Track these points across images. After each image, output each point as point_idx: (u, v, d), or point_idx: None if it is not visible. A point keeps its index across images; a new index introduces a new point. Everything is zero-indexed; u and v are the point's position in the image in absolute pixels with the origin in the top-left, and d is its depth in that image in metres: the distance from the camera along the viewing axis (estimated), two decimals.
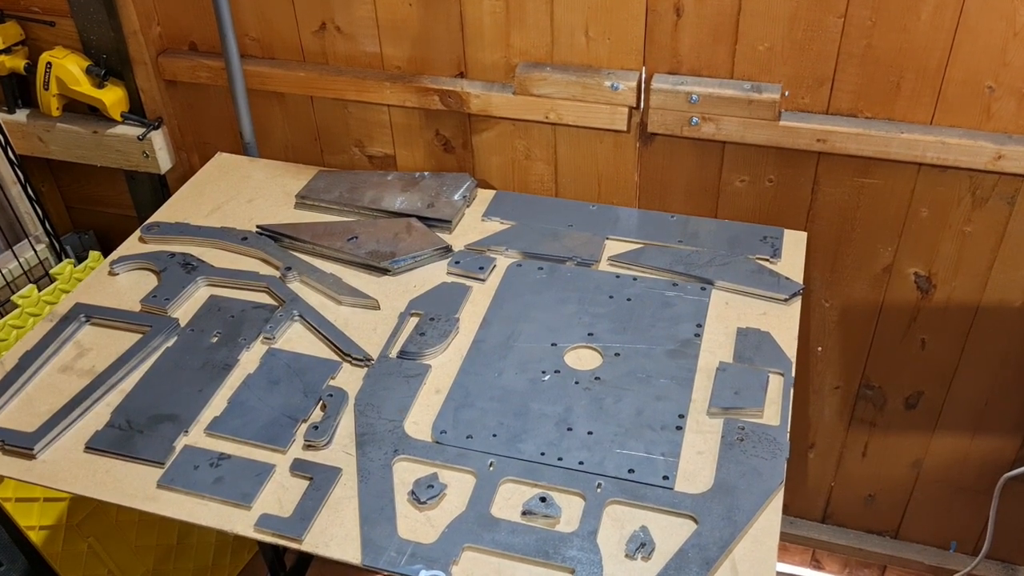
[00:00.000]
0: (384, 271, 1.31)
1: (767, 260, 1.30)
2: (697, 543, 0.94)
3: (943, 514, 1.75)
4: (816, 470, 1.77)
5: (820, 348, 1.59)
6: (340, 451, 1.07)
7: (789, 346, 1.17)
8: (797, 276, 1.27)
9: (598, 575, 0.92)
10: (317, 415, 1.10)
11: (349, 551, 0.96)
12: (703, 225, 1.37)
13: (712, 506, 0.98)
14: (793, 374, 1.13)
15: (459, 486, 1.02)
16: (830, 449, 1.74)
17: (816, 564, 1.94)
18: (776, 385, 1.12)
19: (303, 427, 1.08)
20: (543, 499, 0.99)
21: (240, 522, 0.99)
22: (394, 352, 1.19)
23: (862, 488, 1.77)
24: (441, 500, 1.00)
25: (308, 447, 1.07)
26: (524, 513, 0.98)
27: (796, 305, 1.23)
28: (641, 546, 0.95)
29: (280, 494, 1.02)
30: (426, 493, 1.00)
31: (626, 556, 0.94)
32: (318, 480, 1.02)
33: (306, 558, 1.75)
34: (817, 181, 1.42)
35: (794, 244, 1.33)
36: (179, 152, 1.71)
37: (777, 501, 0.99)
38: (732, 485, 1.00)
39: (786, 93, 1.35)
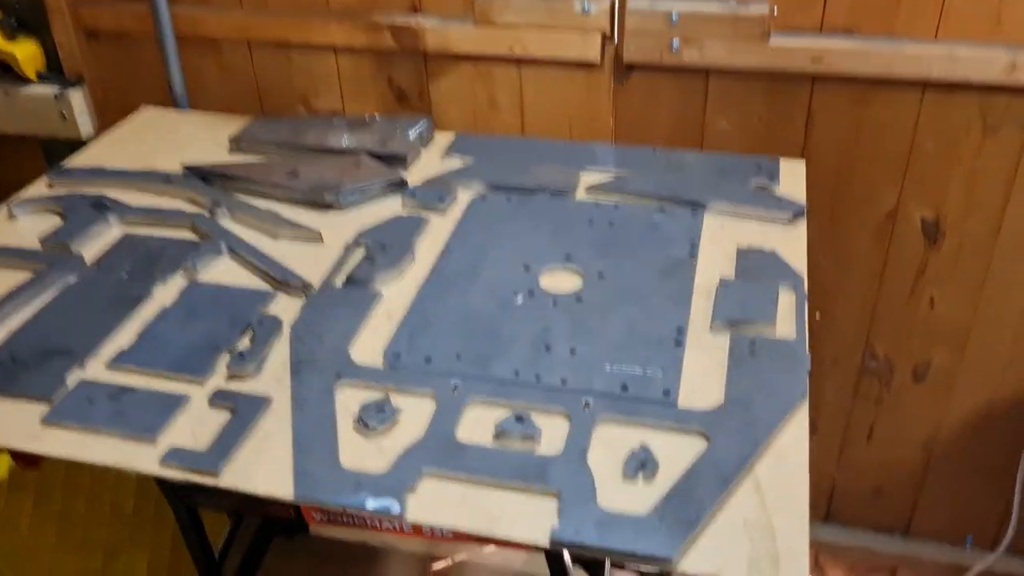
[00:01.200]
0: (329, 206, 1.14)
1: (764, 185, 1.15)
2: (711, 459, 0.77)
3: (958, 503, 1.58)
4: (817, 459, 1.60)
5: (818, 314, 1.44)
6: (271, 380, 0.88)
7: (799, 264, 1.01)
8: (799, 199, 1.12)
9: (590, 499, 0.74)
10: (244, 345, 0.92)
11: (279, 484, 0.77)
12: (689, 157, 1.23)
13: (725, 421, 0.80)
14: (806, 289, 0.97)
15: (416, 411, 0.83)
16: (832, 434, 1.57)
17: (819, 571, 1.74)
18: (788, 300, 0.96)
19: (228, 358, 0.90)
20: (519, 418, 0.81)
21: (142, 458, 0.80)
22: (339, 280, 1.01)
23: (868, 479, 1.60)
24: (394, 426, 0.82)
25: (232, 377, 0.88)
26: (497, 435, 0.80)
27: (801, 226, 1.08)
28: (642, 466, 0.76)
29: (194, 427, 0.83)
30: (376, 418, 0.81)
31: (624, 478, 0.76)
32: (242, 410, 0.83)
33: (249, 567, 1.52)
34: (811, 114, 1.28)
35: (792, 173, 1.19)
36: (102, 115, 1.54)
37: (802, 415, 0.82)
38: (747, 399, 0.82)
39: (775, 10, 1.22)
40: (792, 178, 1.17)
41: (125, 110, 1.54)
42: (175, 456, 0.79)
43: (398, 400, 0.84)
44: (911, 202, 1.33)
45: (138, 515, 1.58)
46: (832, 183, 1.33)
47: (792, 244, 1.05)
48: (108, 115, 1.54)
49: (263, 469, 0.78)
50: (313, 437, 0.80)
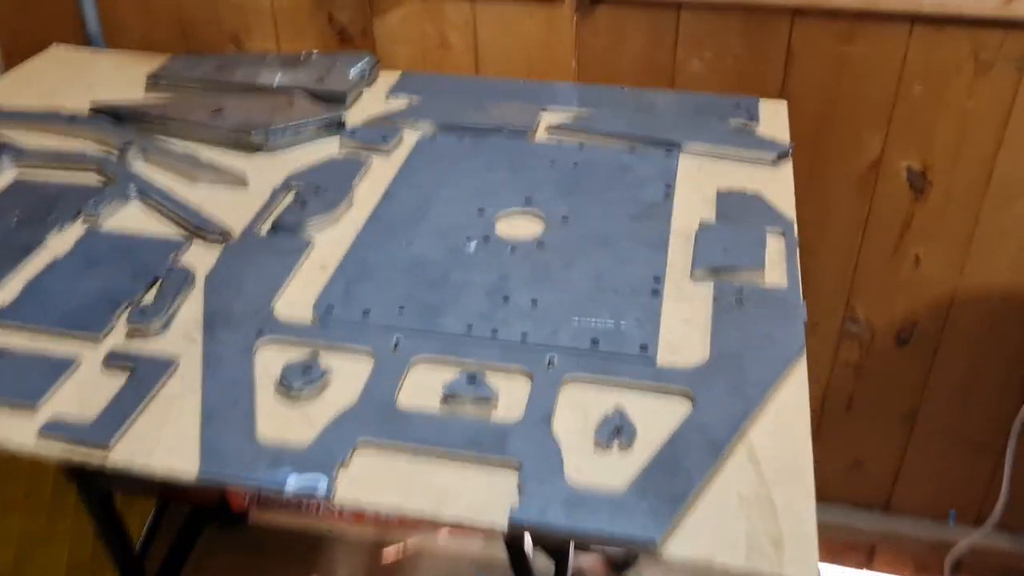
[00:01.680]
0: (256, 147, 1.01)
1: (744, 123, 1.04)
2: (697, 423, 0.65)
3: (941, 477, 1.49)
4: None
5: None
6: (179, 339, 0.74)
7: (787, 206, 0.90)
8: (783, 139, 1.01)
9: (556, 472, 0.62)
10: (150, 299, 0.78)
11: (181, 459, 0.64)
12: (661, 97, 1.11)
13: (712, 379, 0.69)
14: (796, 235, 0.86)
15: (350, 371, 0.71)
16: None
17: None
18: (777, 245, 0.85)
19: (128, 313, 0.76)
20: (472, 378, 0.68)
21: (18, 431, 0.66)
22: (264, 227, 0.87)
23: (847, 451, 1.50)
24: (323, 389, 0.69)
25: (133, 335, 0.74)
26: (445, 399, 0.68)
27: (787, 168, 0.97)
28: (617, 432, 0.65)
29: (84, 393, 0.69)
30: (301, 380, 0.68)
31: (597, 445, 0.64)
32: (142, 373, 0.70)
33: (174, 562, 1.38)
34: (791, 52, 1.17)
35: (773, 112, 1.08)
36: (9, 58, 1.37)
37: (800, 371, 0.71)
38: (736, 355, 0.71)
39: None
40: (774, 118, 1.06)
41: (37, 50, 1.38)
42: (57, 428, 0.65)
43: (329, 359, 0.72)
44: (897, 150, 1.23)
45: (57, 503, 1.43)
46: (812, 130, 1.22)
47: (777, 186, 0.93)
48: (17, 57, 1.38)
49: (164, 442, 0.65)
50: (226, 404, 0.67)
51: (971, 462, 1.45)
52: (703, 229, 0.85)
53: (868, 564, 1.61)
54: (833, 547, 1.61)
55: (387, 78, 1.17)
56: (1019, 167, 1.20)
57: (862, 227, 1.29)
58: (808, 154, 1.24)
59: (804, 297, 0.77)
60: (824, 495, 1.59)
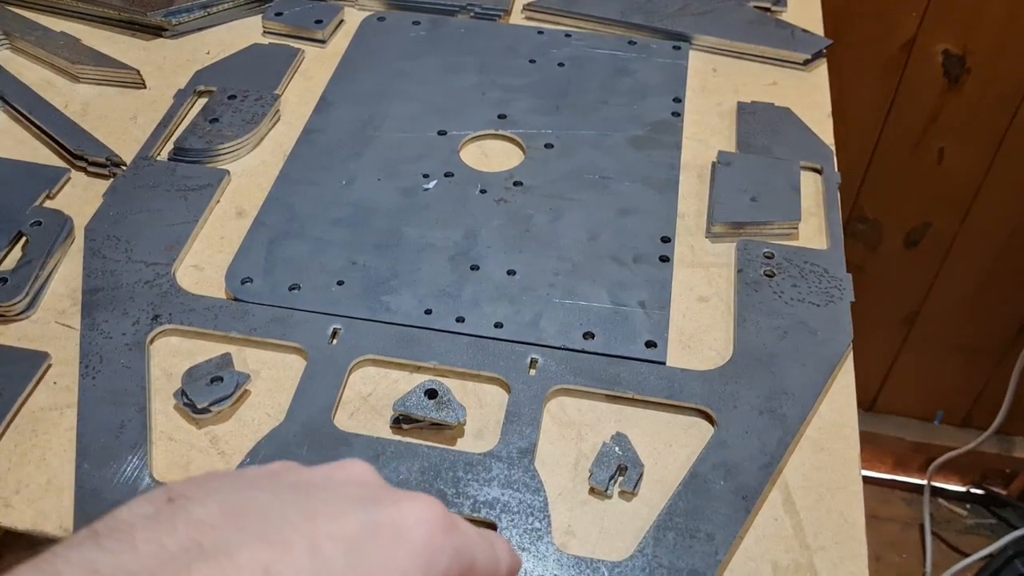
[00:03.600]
0: (156, 30, 0.79)
1: (768, 8, 0.84)
2: (720, 461, 0.51)
3: (932, 380, 1.40)
4: None
5: None
6: (51, 322, 0.57)
7: (823, 128, 0.72)
8: (816, 29, 0.82)
9: (542, 532, 0.48)
10: (11, 260, 0.60)
11: (50, 511, 0.48)
12: None
13: (738, 390, 0.54)
14: (836, 168, 0.69)
15: (273, 376, 0.55)
16: None
17: None
18: (813, 187, 0.68)
19: None
20: (432, 393, 0.53)
21: None
22: (163, 152, 0.68)
23: None
24: (238, 404, 0.53)
25: None
26: (397, 421, 0.52)
27: (822, 71, 0.79)
28: (620, 471, 0.50)
29: None
30: (209, 392, 0.52)
31: (593, 491, 0.50)
32: (1, 377, 0.53)
33: None
34: None
35: None
36: None
37: (847, 375, 0.56)
38: (767, 351, 0.56)
39: None
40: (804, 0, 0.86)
41: None
42: None
43: (247, 358, 0.55)
44: (934, 29, 1.04)
45: None
46: (837, 5, 1.02)
47: (811, 98, 0.75)
48: None
49: (27, 486, 0.49)
50: (110, 428, 0.51)
51: (966, 368, 1.36)
52: (722, 164, 0.67)
53: None
54: None
55: None
56: None
57: (883, 115, 1.12)
58: (831, 29, 1.04)
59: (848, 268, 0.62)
60: None
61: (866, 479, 1.52)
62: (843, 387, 0.56)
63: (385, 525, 0.28)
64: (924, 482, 1.45)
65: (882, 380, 1.41)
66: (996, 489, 1.51)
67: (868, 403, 1.45)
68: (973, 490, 1.53)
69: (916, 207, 1.20)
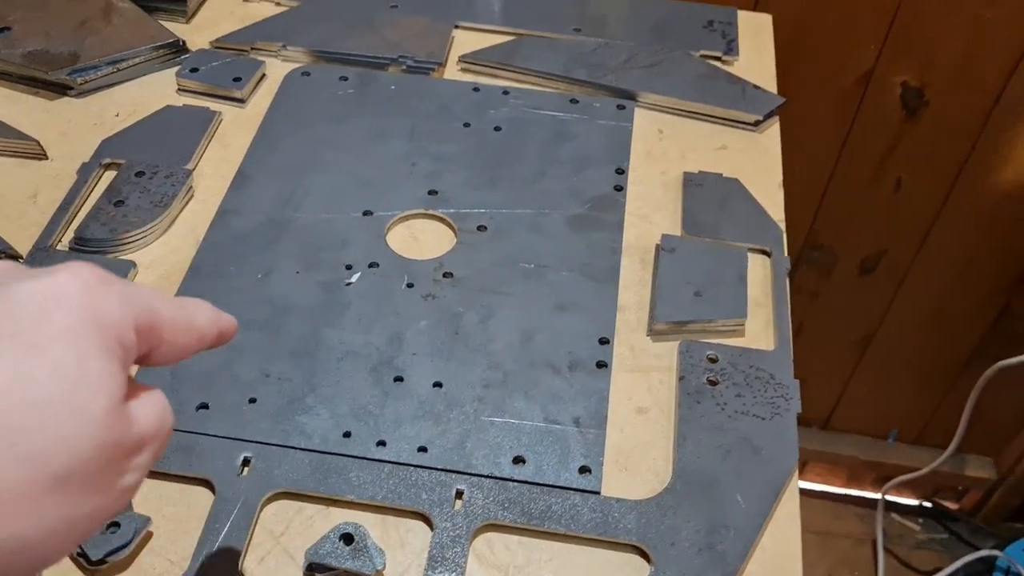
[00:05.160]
0: (61, 88, 0.73)
1: (718, 58, 0.80)
2: None
3: (886, 400, 1.39)
4: None
5: None
6: None
7: (773, 202, 0.69)
8: (769, 84, 0.78)
9: None
10: None
11: None
12: (611, 5, 0.85)
13: (676, 523, 0.51)
14: (785, 250, 0.66)
15: (177, 514, 0.50)
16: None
17: None
18: (760, 272, 0.65)
19: None
20: (348, 538, 0.49)
21: None
22: (64, 239, 0.63)
23: None
24: (138, 551, 0.49)
25: None
26: (310, 569, 0.49)
27: (774, 132, 0.75)
28: None
29: None
30: (104, 543, 0.48)
31: None
32: None
33: None
34: None
35: (755, 34, 0.83)
36: None
37: (792, 501, 0.54)
38: (708, 475, 0.53)
39: None
40: (756, 46, 0.82)
41: None
42: None
43: (148, 492, 0.51)
44: (893, 62, 1.00)
45: None
46: (792, 35, 0.98)
47: (762, 164, 0.72)
48: None
49: None
50: None
51: (920, 389, 1.35)
52: (666, 251, 0.64)
53: (799, 475, 1.53)
54: None
55: None
56: None
57: (840, 145, 1.09)
58: (786, 63, 1.00)
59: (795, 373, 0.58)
60: None
61: (820, 494, 1.52)
62: (787, 514, 0.53)
63: (35, 292, 0.27)
64: (878, 496, 1.44)
65: (836, 399, 1.40)
66: (948, 504, 1.52)
67: (822, 421, 1.44)
68: (925, 504, 1.53)
69: (872, 235, 1.17)
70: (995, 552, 1.27)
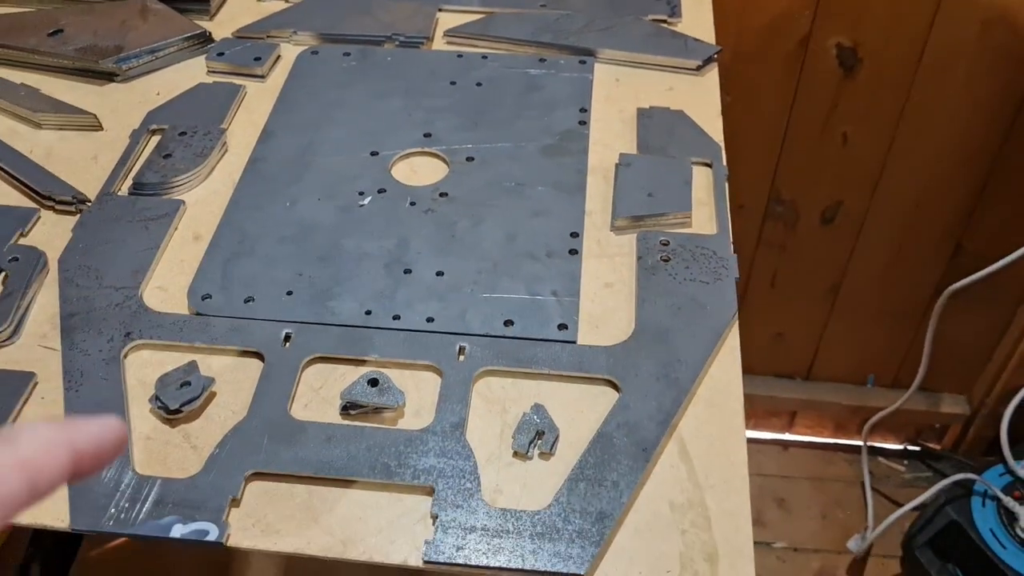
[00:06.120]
0: (108, 76, 0.87)
1: (664, 21, 0.93)
2: (624, 421, 0.60)
3: (860, 346, 1.50)
4: None
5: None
6: (34, 346, 0.65)
7: (713, 127, 0.82)
8: (708, 39, 0.91)
9: (473, 493, 0.56)
10: None
11: (48, 509, 0.56)
12: None
13: (638, 361, 0.63)
14: (725, 162, 0.78)
15: (235, 378, 0.63)
16: None
17: None
18: (704, 179, 0.77)
19: None
20: (374, 382, 0.61)
21: None
22: (124, 187, 0.76)
23: (770, 325, 1.50)
24: (206, 404, 0.61)
25: None
26: (345, 408, 0.61)
27: (713, 75, 0.88)
28: (538, 436, 0.59)
29: None
30: (179, 396, 0.60)
31: (516, 455, 0.59)
32: None
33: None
34: None
35: (696, 1, 0.97)
36: None
37: (733, 342, 0.66)
38: (663, 326, 0.65)
39: None
40: (697, 9, 0.95)
41: None
42: None
43: (211, 364, 0.63)
44: (826, 26, 1.14)
45: None
46: (738, 9, 1.12)
47: (703, 99, 0.85)
48: None
49: None
50: None
51: (890, 332, 1.46)
52: (623, 165, 0.76)
53: (789, 428, 1.64)
54: (756, 414, 1.64)
55: None
56: (952, 41, 1.12)
57: (789, 106, 1.22)
58: (733, 33, 1.14)
59: (734, 248, 0.71)
60: (748, 367, 1.61)
61: (809, 444, 1.63)
62: (729, 351, 0.65)
63: None
64: (862, 443, 1.55)
65: (815, 350, 1.52)
66: (930, 444, 1.62)
67: (804, 372, 1.55)
68: (910, 447, 1.64)
69: (828, 187, 1.30)
70: (972, 476, 1.37)
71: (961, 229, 1.32)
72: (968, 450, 1.56)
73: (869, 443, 1.56)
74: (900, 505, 1.52)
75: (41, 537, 1.07)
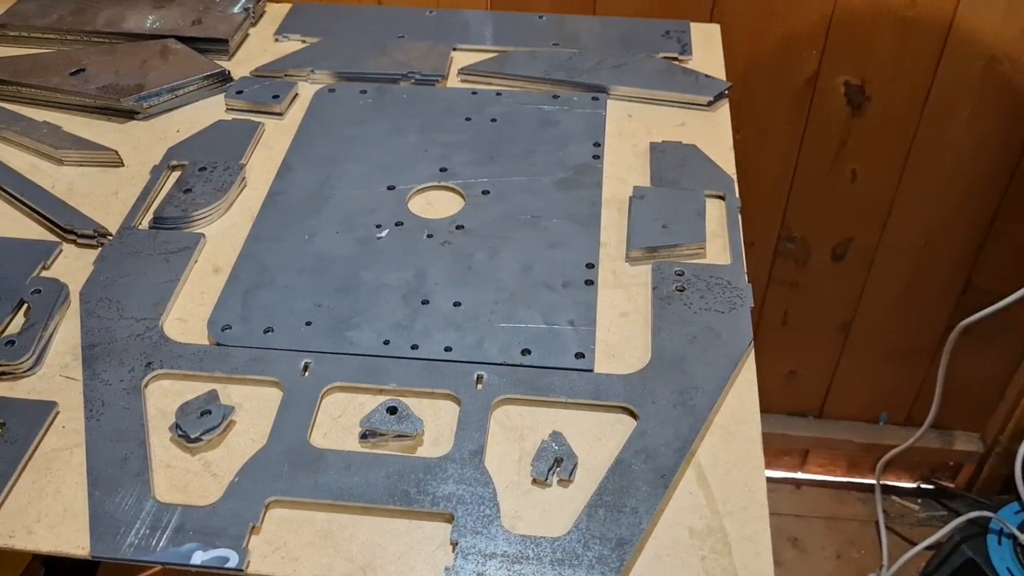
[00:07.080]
0: (129, 113, 0.88)
1: (675, 58, 0.95)
2: (641, 447, 0.60)
3: (872, 383, 1.50)
4: None
5: None
6: (56, 376, 0.65)
7: (725, 160, 0.83)
8: (718, 75, 0.93)
9: (492, 519, 0.56)
10: (15, 325, 0.68)
11: (69, 535, 0.56)
12: (583, 24, 1.00)
13: (655, 389, 0.63)
14: (738, 195, 0.79)
15: (255, 407, 0.63)
16: None
17: None
18: (717, 211, 0.78)
19: None
20: (392, 410, 0.61)
21: None
22: (144, 221, 0.77)
23: (782, 364, 1.49)
24: (226, 432, 0.61)
25: (1, 374, 0.65)
26: (364, 436, 0.61)
27: (724, 110, 0.89)
28: (556, 463, 0.59)
29: None
30: (199, 424, 0.61)
31: (534, 482, 0.59)
32: (14, 427, 0.61)
33: None
34: None
35: (705, 39, 0.99)
36: None
37: (749, 371, 0.66)
38: (679, 354, 0.65)
39: None
40: (707, 47, 0.97)
41: None
42: None
43: (231, 393, 0.64)
44: (834, 65, 1.15)
45: None
46: (746, 49, 1.14)
47: (715, 134, 0.86)
48: None
49: (46, 515, 0.57)
50: (115, 461, 0.59)
51: (902, 369, 1.46)
52: (637, 198, 0.77)
53: (801, 467, 1.63)
54: (768, 452, 1.62)
55: (275, 12, 1.04)
56: (958, 79, 1.14)
57: (798, 144, 1.23)
58: (742, 71, 1.16)
59: (748, 278, 0.71)
60: (760, 405, 1.60)
61: (823, 483, 1.62)
62: (745, 380, 0.65)
63: None
64: (875, 481, 1.54)
65: (827, 387, 1.51)
66: (944, 482, 1.61)
67: (817, 410, 1.55)
68: (924, 486, 1.62)
69: (838, 224, 1.30)
70: (988, 513, 1.35)
71: (971, 264, 1.32)
72: (983, 488, 1.54)
73: (883, 482, 1.55)
74: (914, 544, 1.51)
75: (56, 561, 1.07)
